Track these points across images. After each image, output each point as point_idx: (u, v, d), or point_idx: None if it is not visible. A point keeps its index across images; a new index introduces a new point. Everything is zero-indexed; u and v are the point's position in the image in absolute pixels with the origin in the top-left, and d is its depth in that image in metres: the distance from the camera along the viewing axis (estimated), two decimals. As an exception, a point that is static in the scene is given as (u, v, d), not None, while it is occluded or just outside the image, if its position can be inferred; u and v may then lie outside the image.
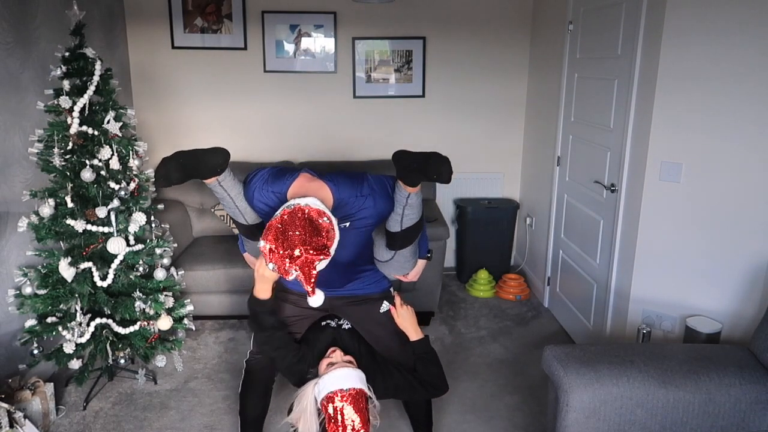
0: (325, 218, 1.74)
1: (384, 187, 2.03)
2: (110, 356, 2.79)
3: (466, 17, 4.09)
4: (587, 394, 1.95)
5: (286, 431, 2.61)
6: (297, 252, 1.68)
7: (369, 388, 1.93)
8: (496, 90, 4.23)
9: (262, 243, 1.72)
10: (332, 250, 1.76)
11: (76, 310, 2.65)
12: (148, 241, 2.76)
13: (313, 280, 1.72)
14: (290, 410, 2.01)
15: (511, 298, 4.02)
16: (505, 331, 3.59)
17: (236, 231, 3.79)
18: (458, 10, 4.08)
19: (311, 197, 1.81)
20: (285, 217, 1.73)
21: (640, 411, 1.95)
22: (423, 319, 3.60)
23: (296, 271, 1.70)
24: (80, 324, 2.63)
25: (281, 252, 1.69)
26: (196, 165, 1.91)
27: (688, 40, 2.42)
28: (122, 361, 2.78)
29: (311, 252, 1.69)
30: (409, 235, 2.08)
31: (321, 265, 1.74)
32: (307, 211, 1.73)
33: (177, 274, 2.92)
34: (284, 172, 2.07)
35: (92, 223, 2.61)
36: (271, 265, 1.73)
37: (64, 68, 2.55)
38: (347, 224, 1.99)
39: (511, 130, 4.32)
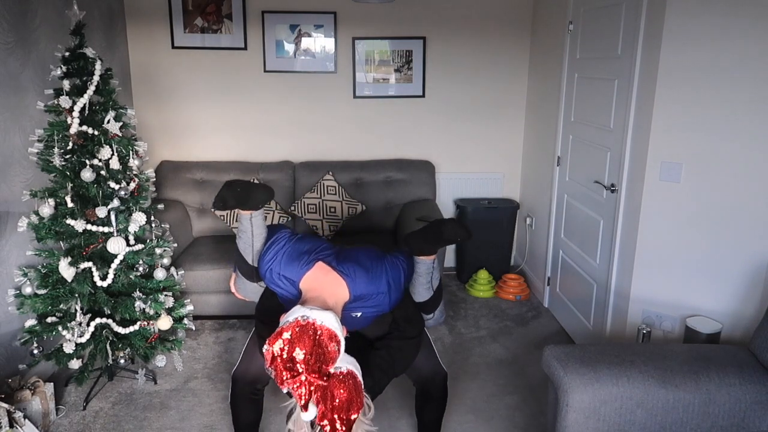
0: (335, 344, 1.66)
1: (399, 280, 2.06)
2: (110, 356, 2.79)
3: (466, 17, 4.10)
4: (587, 394, 1.94)
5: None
6: (299, 368, 1.62)
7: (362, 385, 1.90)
8: (496, 90, 4.23)
9: (266, 347, 1.66)
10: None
11: (76, 310, 2.65)
12: (148, 241, 2.76)
13: (304, 402, 1.64)
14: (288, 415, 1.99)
15: (511, 298, 4.02)
16: (505, 331, 3.59)
17: (236, 231, 3.79)
18: (458, 10, 4.08)
19: (328, 312, 1.73)
20: (296, 329, 1.64)
21: (640, 411, 1.95)
22: (423, 319, 3.60)
23: (294, 387, 1.63)
24: (80, 324, 2.63)
25: (283, 363, 1.63)
26: (247, 196, 2.01)
27: (688, 40, 2.42)
28: (122, 361, 2.78)
29: (312, 374, 1.62)
30: (439, 293, 2.19)
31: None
32: (319, 332, 1.65)
33: (177, 274, 2.92)
34: (299, 255, 2.02)
35: (92, 223, 2.61)
36: (270, 370, 1.66)
37: (64, 68, 2.54)
38: (358, 314, 2.01)
39: (511, 130, 4.32)
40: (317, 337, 1.64)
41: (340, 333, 1.72)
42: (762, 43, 2.26)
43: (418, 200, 4.01)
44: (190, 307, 2.92)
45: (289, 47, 4.05)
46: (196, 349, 3.36)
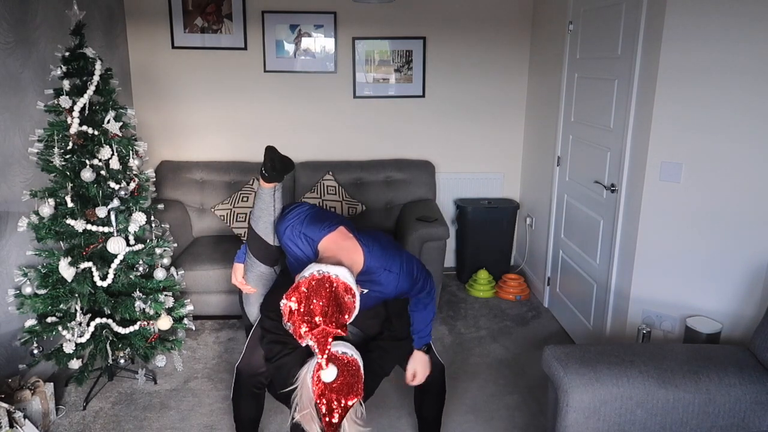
0: (350, 296, 1.70)
1: (411, 271, 2.05)
2: (110, 356, 2.79)
3: (466, 17, 4.10)
4: (587, 394, 1.94)
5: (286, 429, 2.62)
6: (317, 320, 1.65)
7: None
8: (496, 90, 4.23)
9: (284, 301, 1.69)
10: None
11: (76, 310, 2.65)
12: (148, 241, 2.76)
13: (326, 353, 1.68)
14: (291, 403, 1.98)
15: (511, 298, 4.02)
16: (505, 331, 3.59)
17: (236, 231, 3.79)
18: (458, 10, 4.08)
19: (343, 268, 1.76)
20: (313, 283, 1.68)
21: (640, 411, 1.95)
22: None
23: (312, 339, 1.66)
24: (80, 324, 2.63)
25: (301, 317, 1.66)
26: (284, 162, 2.11)
27: (688, 40, 2.42)
28: (122, 361, 2.78)
29: (330, 325, 1.65)
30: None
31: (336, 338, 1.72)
32: (335, 284, 1.69)
33: (177, 274, 2.92)
34: (323, 219, 2.04)
35: (92, 223, 2.61)
36: (288, 325, 1.69)
37: (64, 68, 2.54)
38: (365, 291, 2.00)
39: (511, 130, 4.32)
40: (333, 288, 1.67)
41: (355, 287, 1.74)
42: (762, 43, 2.26)
43: (418, 200, 4.01)
44: (190, 307, 2.92)
45: (289, 47, 4.05)
46: (196, 349, 3.36)
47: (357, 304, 1.74)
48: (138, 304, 2.71)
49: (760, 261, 2.42)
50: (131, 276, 2.73)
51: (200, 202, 3.92)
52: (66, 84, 2.52)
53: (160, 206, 2.93)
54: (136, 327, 2.73)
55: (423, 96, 4.20)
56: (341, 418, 1.71)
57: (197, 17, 3.96)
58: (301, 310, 1.65)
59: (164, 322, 2.75)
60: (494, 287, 4.11)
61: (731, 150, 2.41)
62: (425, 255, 3.43)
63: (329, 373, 1.70)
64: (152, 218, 2.79)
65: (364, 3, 3.57)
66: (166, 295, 2.81)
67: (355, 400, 1.73)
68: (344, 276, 1.73)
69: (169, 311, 2.83)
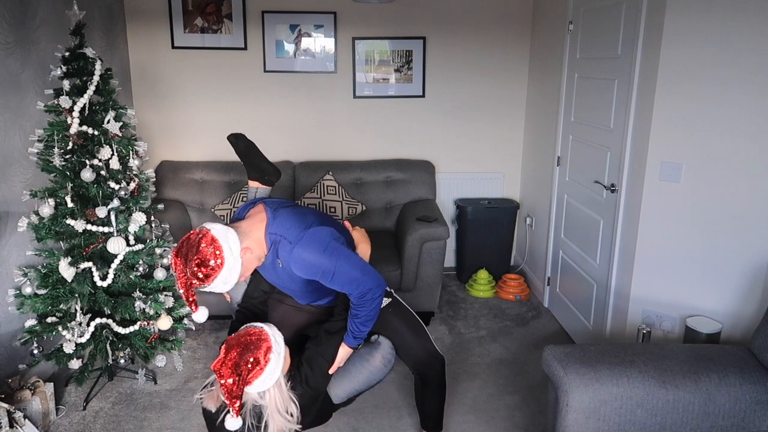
0: (211, 248, 1.80)
1: (311, 247, 1.91)
2: (110, 356, 2.79)
3: (466, 17, 4.10)
4: (587, 394, 1.94)
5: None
6: (188, 270, 1.79)
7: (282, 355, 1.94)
8: (496, 90, 4.23)
9: (171, 252, 1.86)
10: (216, 282, 1.82)
11: (76, 310, 2.65)
12: (148, 241, 2.76)
13: (191, 298, 1.84)
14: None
15: (511, 298, 4.02)
16: (505, 331, 3.59)
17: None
18: (458, 10, 4.08)
19: (222, 225, 1.88)
20: (192, 236, 1.82)
21: (640, 411, 1.95)
22: (423, 319, 3.59)
23: (180, 283, 1.81)
24: (80, 324, 2.63)
25: (179, 266, 1.80)
26: (258, 157, 2.34)
27: (688, 40, 2.42)
28: (122, 361, 2.78)
29: (191, 274, 1.79)
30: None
31: (207, 288, 1.84)
32: (202, 235, 1.81)
33: (177, 274, 2.92)
34: (258, 201, 2.15)
35: (92, 223, 2.61)
36: (174, 275, 1.86)
37: (64, 68, 2.55)
38: (281, 264, 1.99)
39: (511, 130, 4.32)
40: (198, 239, 1.81)
41: (226, 244, 1.83)
42: (762, 43, 2.26)
43: (418, 200, 4.01)
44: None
45: (289, 47, 4.05)
46: (196, 349, 3.36)
47: (223, 261, 1.81)
48: (138, 304, 2.71)
49: (760, 261, 2.43)
50: (131, 276, 2.73)
51: (200, 202, 3.92)
52: (66, 84, 2.52)
53: (160, 206, 2.93)
54: (136, 327, 2.73)
55: (423, 96, 4.20)
56: (238, 384, 1.81)
57: (197, 17, 3.96)
58: (179, 258, 1.81)
59: (164, 322, 2.75)
60: (494, 287, 4.11)
61: (731, 150, 2.41)
62: (425, 255, 3.43)
63: (199, 315, 1.93)
64: (152, 218, 2.79)
65: (364, 3, 3.56)
66: (166, 295, 2.81)
67: (259, 372, 1.84)
68: (217, 231, 1.84)
69: (169, 311, 2.83)
